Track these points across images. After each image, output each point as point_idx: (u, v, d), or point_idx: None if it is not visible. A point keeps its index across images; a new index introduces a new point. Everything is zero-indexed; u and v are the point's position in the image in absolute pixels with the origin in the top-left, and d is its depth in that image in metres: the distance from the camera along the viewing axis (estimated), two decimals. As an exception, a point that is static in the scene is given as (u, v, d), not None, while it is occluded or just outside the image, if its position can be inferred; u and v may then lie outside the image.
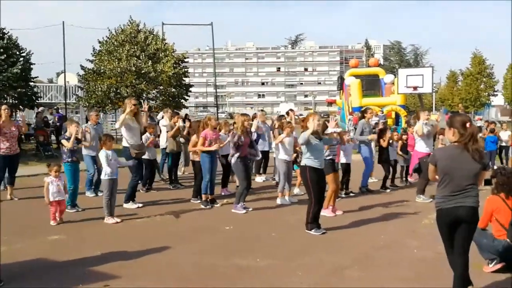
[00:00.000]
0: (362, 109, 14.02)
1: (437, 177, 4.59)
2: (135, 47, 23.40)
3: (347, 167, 10.23)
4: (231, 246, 6.73)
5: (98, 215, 8.24)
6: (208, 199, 9.34)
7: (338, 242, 6.95)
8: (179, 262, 6.04)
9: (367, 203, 9.59)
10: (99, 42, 24.18)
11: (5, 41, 19.38)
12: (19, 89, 19.60)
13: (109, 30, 24.36)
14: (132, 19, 24.59)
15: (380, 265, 5.97)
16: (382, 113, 18.59)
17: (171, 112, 12.69)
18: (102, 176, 8.15)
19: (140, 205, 9.15)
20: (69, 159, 8.82)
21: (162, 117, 13.16)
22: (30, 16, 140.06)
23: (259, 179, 12.44)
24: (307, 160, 7.34)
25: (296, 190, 10.38)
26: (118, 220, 7.98)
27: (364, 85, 25.63)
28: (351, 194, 10.46)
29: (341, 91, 27.60)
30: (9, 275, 5.39)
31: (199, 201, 9.55)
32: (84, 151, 9.92)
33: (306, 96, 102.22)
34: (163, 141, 11.92)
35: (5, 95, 19.08)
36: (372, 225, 7.92)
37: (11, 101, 19.81)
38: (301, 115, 11.98)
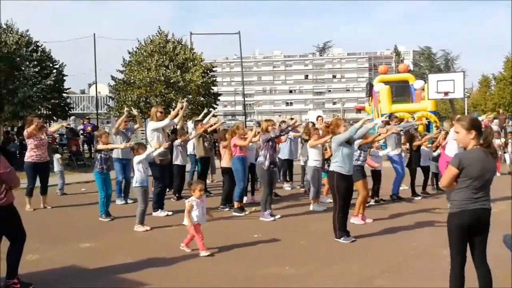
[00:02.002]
0: (388, 116, 13.74)
1: (455, 184, 4.42)
2: (164, 57, 23.68)
3: (378, 175, 10.11)
4: (259, 254, 6.71)
5: (128, 223, 8.34)
6: (239, 207, 9.39)
7: (367, 250, 6.85)
8: (207, 270, 6.05)
9: (398, 211, 9.44)
10: (129, 52, 24.60)
11: (39, 54, 19.91)
12: (53, 100, 20.08)
13: (138, 41, 24.78)
14: (160, 30, 24.94)
15: (411, 274, 5.84)
16: (414, 119, 18.29)
17: (196, 120, 12.78)
18: (134, 184, 8.25)
19: (170, 213, 9.22)
20: (100, 168, 8.97)
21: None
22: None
23: (286, 186, 12.39)
24: (335, 166, 7.26)
25: (323, 198, 10.28)
26: (148, 228, 8.05)
27: (393, 92, 25.29)
28: (382, 202, 10.31)
29: (370, 97, 27.33)
30: (40, 282, 5.50)
31: (227, 209, 9.57)
32: (114, 154, 10.08)
33: (334, 103, 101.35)
34: (190, 148, 12.02)
35: (39, 106, 19.55)
36: (402, 234, 7.77)
37: (44, 112, 20.33)
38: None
